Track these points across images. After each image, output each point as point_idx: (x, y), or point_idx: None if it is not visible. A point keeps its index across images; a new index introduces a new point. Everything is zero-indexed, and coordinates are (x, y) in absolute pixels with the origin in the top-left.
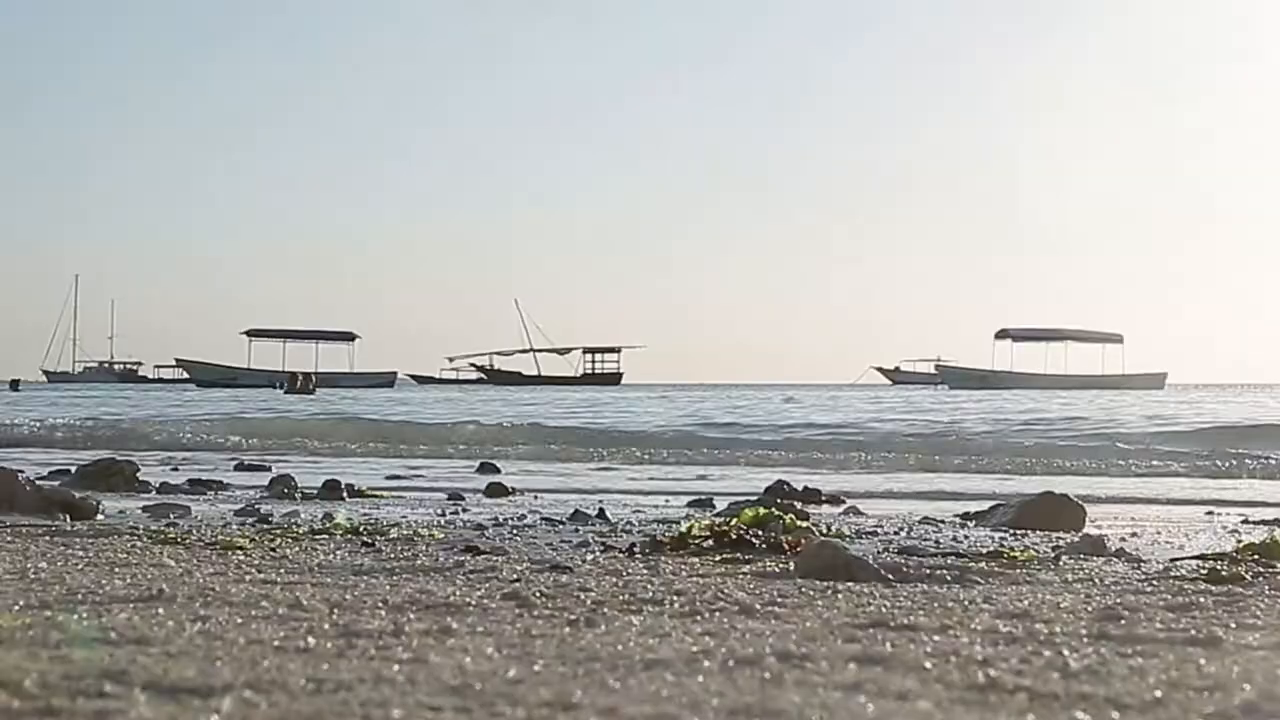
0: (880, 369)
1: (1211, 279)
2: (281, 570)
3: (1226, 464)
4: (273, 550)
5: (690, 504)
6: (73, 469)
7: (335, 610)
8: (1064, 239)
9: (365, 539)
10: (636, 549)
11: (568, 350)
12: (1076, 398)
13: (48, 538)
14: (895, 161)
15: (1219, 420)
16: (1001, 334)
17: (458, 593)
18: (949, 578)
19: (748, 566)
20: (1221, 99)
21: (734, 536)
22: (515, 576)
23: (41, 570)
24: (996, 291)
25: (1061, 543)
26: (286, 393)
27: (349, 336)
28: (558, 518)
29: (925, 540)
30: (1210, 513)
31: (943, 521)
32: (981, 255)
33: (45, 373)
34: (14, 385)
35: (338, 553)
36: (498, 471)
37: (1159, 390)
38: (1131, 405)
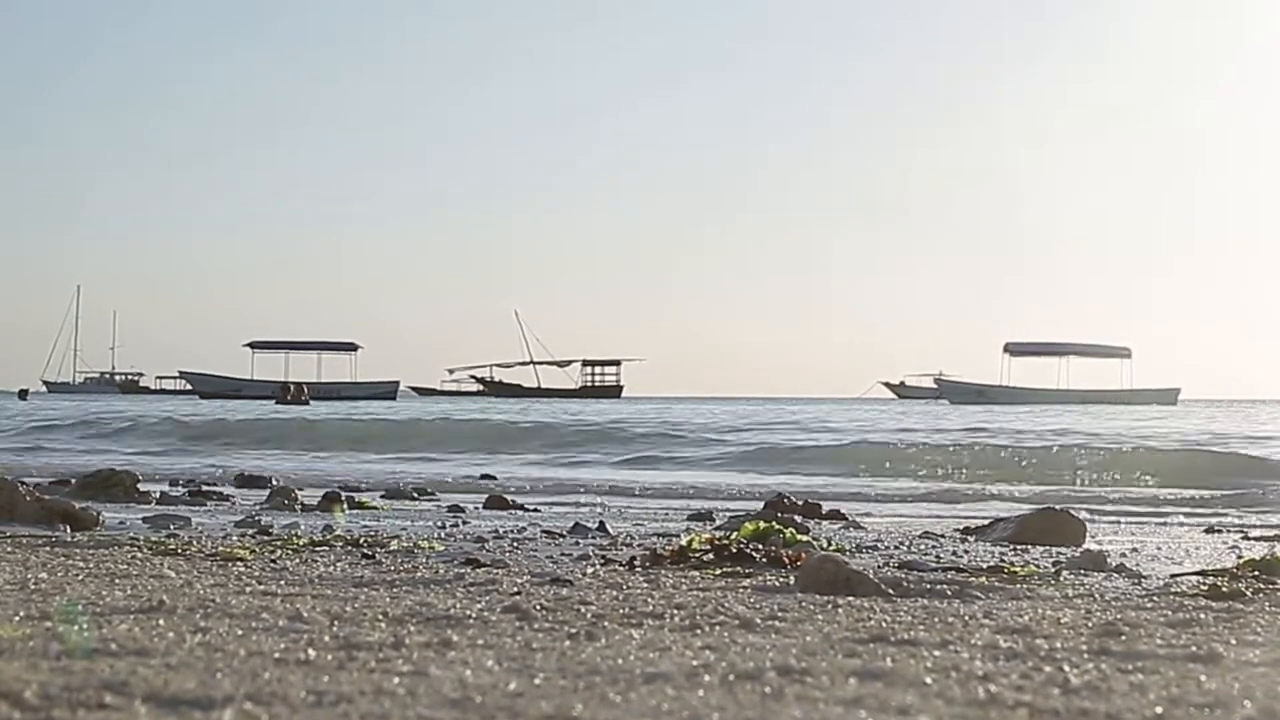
0: (886, 383)
1: (1225, 294)
2: (282, 582)
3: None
4: (273, 562)
5: (690, 517)
6: (73, 479)
7: (336, 622)
8: (1074, 253)
9: (365, 551)
10: (637, 562)
11: (568, 363)
12: (1077, 413)
13: (48, 548)
14: (903, 172)
15: None
16: (1008, 348)
17: (458, 605)
18: (949, 592)
19: (748, 580)
20: (1233, 111)
21: (734, 550)
22: (515, 589)
23: (42, 581)
24: (1009, 306)
25: (1062, 558)
26: (278, 404)
27: (351, 347)
28: (558, 530)
29: (925, 555)
30: (1211, 529)
31: (943, 536)
32: (993, 270)
33: (46, 383)
34: (22, 395)
35: (338, 564)
36: (497, 481)
37: (1171, 406)
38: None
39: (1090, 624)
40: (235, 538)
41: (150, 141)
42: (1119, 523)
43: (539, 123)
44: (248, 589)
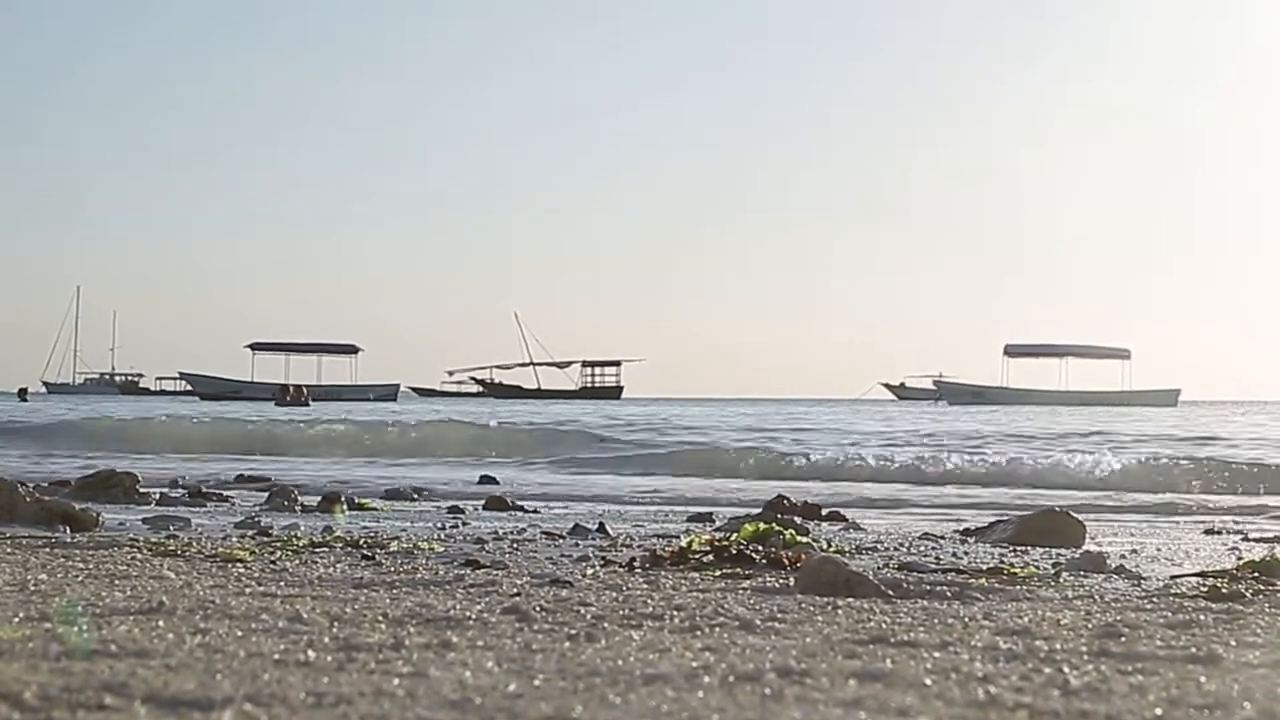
0: (886, 384)
1: (1225, 294)
2: (281, 583)
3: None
4: (273, 563)
5: (690, 518)
6: (73, 479)
7: (335, 623)
8: (1074, 253)
9: (365, 552)
10: (636, 564)
11: (568, 363)
12: (1077, 414)
13: (48, 549)
14: (903, 172)
15: None
16: (1008, 349)
17: (458, 607)
18: (949, 594)
19: (748, 582)
20: (1233, 111)
21: (734, 551)
22: (515, 591)
23: (42, 582)
24: (1009, 306)
25: (1061, 559)
26: (278, 405)
27: (351, 349)
28: (558, 532)
29: (925, 556)
30: (1210, 530)
31: (943, 537)
32: (993, 270)
33: (45, 384)
34: (22, 395)
35: (338, 565)
36: (497, 484)
37: (1171, 407)
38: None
39: (1090, 625)
40: (235, 539)
41: (150, 141)
42: (1118, 524)
43: (539, 123)
44: (247, 590)
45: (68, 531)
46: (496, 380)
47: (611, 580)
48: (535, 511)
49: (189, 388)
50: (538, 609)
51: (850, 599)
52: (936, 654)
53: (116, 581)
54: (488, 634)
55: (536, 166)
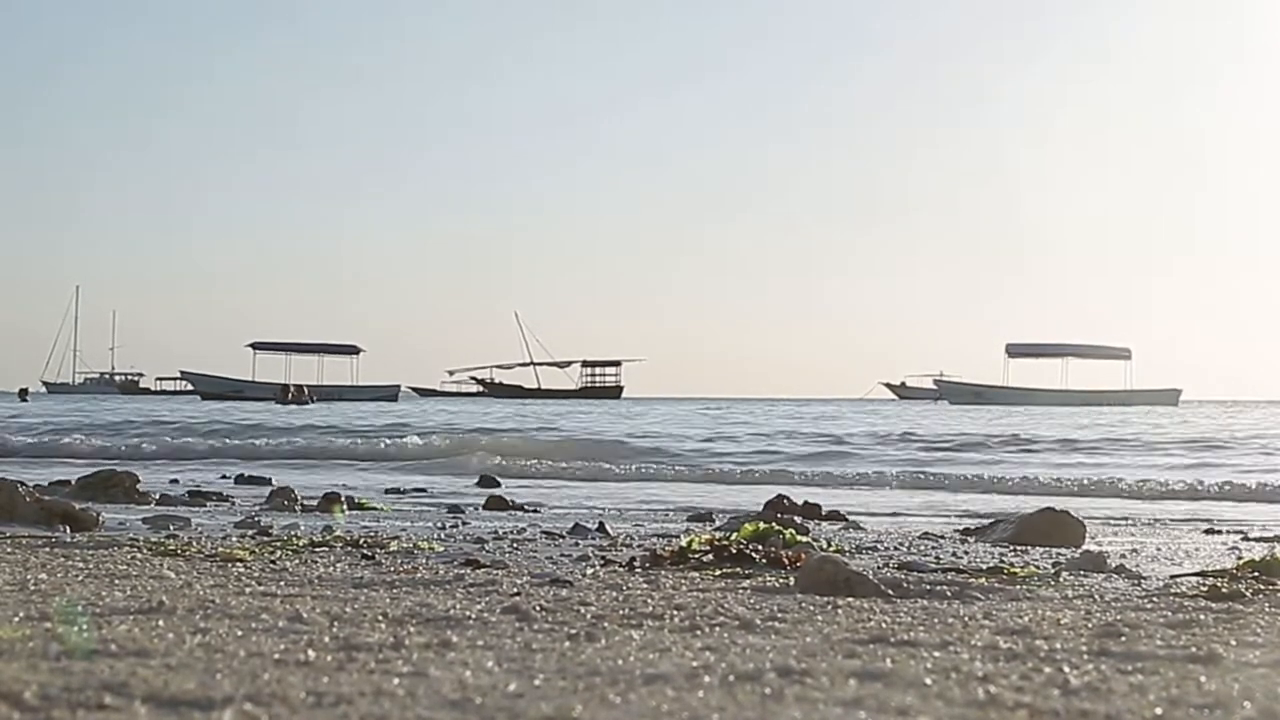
0: (887, 384)
1: (1225, 294)
2: (281, 583)
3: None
4: (273, 562)
5: (690, 518)
6: (73, 479)
7: (335, 623)
8: (1074, 253)
9: (365, 552)
10: (636, 563)
11: (568, 363)
12: (1078, 415)
13: (48, 549)
14: (903, 172)
15: None
16: (1009, 349)
17: (458, 606)
18: (949, 593)
19: (748, 581)
20: (1234, 111)
21: (734, 551)
22: (515, 590)
23: (42, 582)
24: (1009, 306)
25: (1062, 559)
26: (278, 404)
27: (353, 350)
28: (557, 532)
29: (925, 555)
30: (1210, 529)
31: (943, 537)
32: (993, 270)
33: (45, 384)
34: (23, 395)
35: (338, 565)
36: (498, 485)
37: (1172, 407)
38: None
39: (1090, 625)
40: (235, 538)
41: (150, 141)
42: (1119, 524)
43: (539, 123)
44: (247, 590)
45: (68, 531)
46: (497, 380)
47: (611, 580)
48: (535, 511)
49: (190, 387)
50: (538, 608)
51: (850, 598)
52: (936, 653)
53: (116, 581)
54: (488, 633)
55: (536, 166)
